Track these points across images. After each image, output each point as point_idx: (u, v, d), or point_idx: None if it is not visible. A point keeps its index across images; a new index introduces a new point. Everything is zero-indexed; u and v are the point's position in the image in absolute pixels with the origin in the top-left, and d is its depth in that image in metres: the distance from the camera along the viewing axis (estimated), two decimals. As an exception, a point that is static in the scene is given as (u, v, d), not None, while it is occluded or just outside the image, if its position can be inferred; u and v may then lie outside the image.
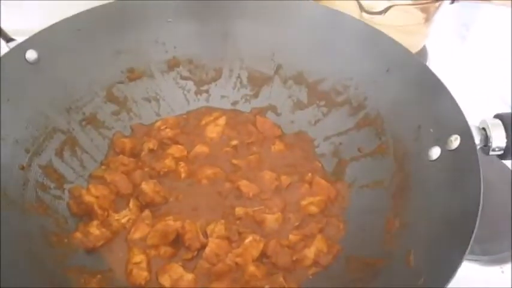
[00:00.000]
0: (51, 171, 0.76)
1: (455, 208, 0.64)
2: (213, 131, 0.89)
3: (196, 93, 0.95)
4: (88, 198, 0.75)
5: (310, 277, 0.72)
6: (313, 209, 0.79)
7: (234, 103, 0.96)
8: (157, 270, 0.70)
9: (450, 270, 0.55)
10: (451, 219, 0.63)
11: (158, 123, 0.90)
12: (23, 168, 0.73)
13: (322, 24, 0.89)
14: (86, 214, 0.75)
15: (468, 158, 0.66)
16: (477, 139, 0.68)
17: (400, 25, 1.04)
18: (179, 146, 0.86)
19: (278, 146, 0.89)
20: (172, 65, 0.93)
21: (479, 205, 0.60)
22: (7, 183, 0.69)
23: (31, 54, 0.76)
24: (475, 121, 0.71)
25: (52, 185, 0.76)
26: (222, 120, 0.91)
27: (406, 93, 0.80)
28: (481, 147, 0.69)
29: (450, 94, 0.74)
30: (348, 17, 0.88)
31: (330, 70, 0.90)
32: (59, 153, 0.79)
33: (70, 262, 0.68)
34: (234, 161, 0.85)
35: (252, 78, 0.95)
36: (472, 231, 0.58)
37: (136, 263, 0.70)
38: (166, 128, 0.89)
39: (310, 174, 0.84)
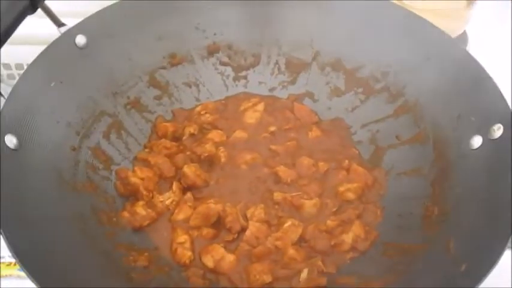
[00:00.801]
0: (99, 153, 0.80)
1: (497, 198, 0.64)
2: (251, 117, 0.91)
3: (234, 79, 0.97)
4: (134, 179, 0.78)
5: (348, 261, 0.73)
6: (350, 195, 0.80)
7: (272, 89, 0.97)
8: (200, 251, 0.73)
9: (492, 259, 0.55)
10: (492, 209, 0.64)
11: (198, 108, 0.92)
12: (74, 149, 0.76)
13: (361, 10, 0.89)
14: (132, 195, 0.78)
15: (511, 147, 0.66)
16: (521, 128, 0.67)
17: (441, 9, 1.03)
18: (219, 131, 0.88)
19: (315, 133, 0.90)
20: (212, 50, 0.95)
21: (521, 194, 0.60)
22: (61, 164, 0.73)
23: (80, 39, 0.79)
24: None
25: (100, 166, 0.79)
26: (260, 106, 0.92)
27: (446, 81, 0.80)
28: (525, 137, 0.68)
29: (493, 82, 0.73)
30: (388, 3, 0.88)
31: (368, 57, 0.90)
32: (106, 136, 0.82)
33: (119, 239, 0.72)
34: (272, 147, 0.86)
35: (289, 64, 0.96)
36: (513, 222, 0.58)
37: (180, 243, 0.73)
38: (206, 113, 0.91)
39: (347, 161, 0.85)
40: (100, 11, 0.82)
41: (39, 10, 0.74)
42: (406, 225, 0.74)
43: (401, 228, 0.75)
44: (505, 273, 0.73)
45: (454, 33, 1.12)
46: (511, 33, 1.21)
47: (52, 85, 0.76)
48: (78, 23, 0.80)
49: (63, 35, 0.78)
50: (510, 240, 0.57)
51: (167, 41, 0.91)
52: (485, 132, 0.71)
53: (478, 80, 0.75)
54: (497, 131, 0.69)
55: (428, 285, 0.61)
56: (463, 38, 1.18)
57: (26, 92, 0.71)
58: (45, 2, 0.76)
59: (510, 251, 0.74)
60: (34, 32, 0.89)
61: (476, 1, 1.08)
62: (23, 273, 0.71)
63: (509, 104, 0.71)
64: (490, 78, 0.74)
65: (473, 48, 1.15)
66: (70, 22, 0.79)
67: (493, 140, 0.69)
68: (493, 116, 0.70)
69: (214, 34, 0.94)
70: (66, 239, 0.66)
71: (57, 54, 0.77)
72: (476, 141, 0.72)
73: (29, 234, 0.61)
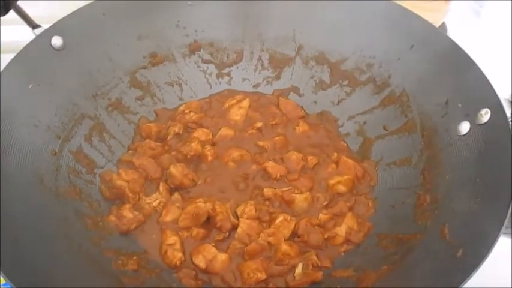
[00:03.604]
0: (81, 157, 0.77)
1: (489, 181, 0.64)
2: (237, 114, 0.89)
3: (217, 76, 0.95)
4: (119, 182, 0.76)
5: (343, 254, 0.72)
6: (341, 188, 0.79)
7: (256, 85, 0.96)
8: (191, 251, 0.71)
9: (488, 242, 0.55)
10: (485, 193, 0.63)
11: (182, 107, 0.90)
12: (55, 154, 0.74)
13: (343, 3, 0.88)
14: (117, 198, 0.76)
15: (499, 131, 0.66)
16: (508, 112, 0.67)
17: (420, 2, 1.03)
18: (204, 129, 0.86)
19: (302, 127, 0.89)
20: (193, 48, 0.93)
21: (512, 178, 0.60)
22: (42, 169, 0.70)
23: (56, 41, 0.77)
24: (504, 94, 0.70)
25: (83, 170, 0.77)
26: (245, 103, 0.91)
27: (431, 69, 0.80)
28: (511, 120, 0.68)
29: (478, 68, 0.73)
30: (369, -5, 0.87)
31: (352, 49, 0.90)
32: (88, 139, 0.80)
33: (106, 244, 0.70)
34: (260, 143, 0.85)
35: (273, 59, 0.95)
36: (508, 204, 0.58)
37: (170, 244, 0.71)
38: (190, 111, 0.89)
39: (336, 153, 0.84)
40: (76, 11, 0.80)
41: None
42: (399, 216, 0.74)
43: (394, 218, 0.74)
44: (505, 273, 0.73)
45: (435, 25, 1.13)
46: (483, 22, 1.23)
47: (29, 88, 0.73)
48: (54, 24, 0.77)
49: (38, 36, 0.76)
50: (505, 223, 0.57)
51: (147, 40, 0.89)
52: (472, 117, 0.71)
53: (463, 66, 0.75)
54: (485, 115, 0.69)
55: (426, 273, 0.60)
56: (442, 29, 1.19)
57: (2, 96, 0.68)
58: (18, 3, 0.74)
59: (510, 245, 0.75)
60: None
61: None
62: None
63: (495, 88, 0.71)
64: (474, 64, 0.74)
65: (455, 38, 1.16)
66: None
67: (480, 124, 0.69)
68: (479, 101, 0.70)
69: (195, 32, 0.92)
70: (52, 246, 0.64)
71: (33, 56, 0.74)
72: (464, 127, 0.72)
73: (12, 243, 0.58)
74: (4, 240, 0.57)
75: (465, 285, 0.53)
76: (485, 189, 0.63)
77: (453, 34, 1.19)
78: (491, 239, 0.55)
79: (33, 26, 0.76)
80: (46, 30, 0.76)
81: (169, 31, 0.90)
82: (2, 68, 0.70)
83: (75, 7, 0.80)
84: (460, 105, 0.74)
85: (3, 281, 0.73)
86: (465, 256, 0.57)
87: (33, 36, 0.75)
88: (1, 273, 0.53)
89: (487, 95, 0.70)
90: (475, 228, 0.60)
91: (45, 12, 0.83)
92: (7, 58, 0.72)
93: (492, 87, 0.70)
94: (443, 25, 1.20)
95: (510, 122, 0.67)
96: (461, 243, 0.59)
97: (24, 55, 0.73)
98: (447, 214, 0.66)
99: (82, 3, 0.80)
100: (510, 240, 0.80)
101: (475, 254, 0.55)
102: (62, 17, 0.78)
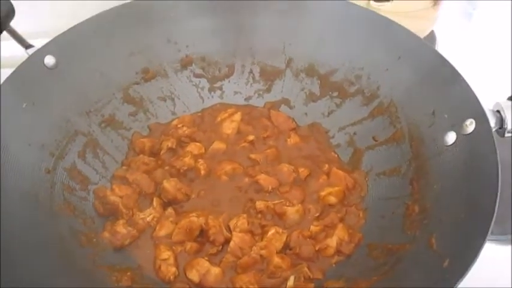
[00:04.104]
0: (75, 174, 0.79)
1: (474, 191, 0.65)
2: (229, 127, 0.91)
3: (210, 90, 0.97)
4: (113, 198, 0.77)
5: (334, 265, 0.73)
6: (332, 199, 0.80)
7: (248, 98, 0.97)
8: (185, 266, 0.72)
9: (474, 251, 0.56)
10: (471, 202, 0.64)
11: (175, 122, 0.91)
12: (49, 172, 0.75)
13: (331, 15, 0.90)
14: (111, 214, 0.77)
15: (484, 141, 0.67)
16: (492, 122, 0.69)
17: (408, 11, 1.05)
18: (197, 143, 0.87)
19: (293, 139, 0.90)
20: (185, 63, 0.94)
21: (497, 187, 0.61)
22: (36, 187, 0.71)
23: (49, 60, 0.78)
24: (489, 104, 0.72)
25: (77, 187, 0.78)
26: (237, 116, 0.92)
27: (418, 80, 0.81)
28: (496, 130, 0.69)
29: (463, 79, 0.74)
30: (356, 7, 0.89)
31: (341, 61, 0.91)
32: (82, 156, 0.81)
33: (100, 261, 0.70)
34: (252, 156, 0.86)
35: (264, 72, 0.96)
36: (493, 213, 0.59)
37: (163, 259, 0.72)
38: (183, 126, 0.90)
39: (327, 165, 0.85)
40: (68, 30, 0.81)
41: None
42: (389, 226, 0.75)
43: (384, 228, 0.75)
44: (505, 273, 0.74)
45: (423, 34, 1.15)
46: (475, 28, 1.25)
47: (23, 107, 0.74)
48: (46, 44, 0.79)
49: (31, 56, 0.77)
50: (490, 232, 0.58)
51: (139, 56, 0.90)
52: (458, 128, 0.72)
53: (448, 78, 0.76)
54: (470, 125, 0.70)
55: (415, 283, 0.61)
56: (431, 37, 1.21)
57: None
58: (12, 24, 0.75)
59: (510, 249, 0.76)
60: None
61: (442, 1, 1.11)
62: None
63: (480, 99, 0.72)
64: (459, 75, 0.75)
65: (441, 47, 1.18)
66: (39, 43, 0.78)
67: (466, 135, 0.70)
68: (465, 111, 0.71)
69: (187, 47, 0.94)
70: (46, 263, 0.65)
71: (26, 75, 0.76)
72: (451, 137, 0.73)
73: (7, 262, 0.59)
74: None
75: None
76: (470, 198, 0.65)
77: (442, 40, 1.21)
78: (476, 248, 0.56)
79: (26, 46, 0.78)
80: (39, 50, 0.78)
81: (161, 46, 0.92)
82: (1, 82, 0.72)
83: (67, 25, 0.81)
84: (446, 116, 0.75)
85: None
86: (451, 266, 0.58)
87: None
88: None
89: (472, 106, 0.71)
90: (461, 237, 0.61)
91: (40, 28, 0.83)
92: (7, 73, 0.74)
93: (477, 98, 0.71)
94: (432, 32, 1.22)
95: (494, 132, 0.68)
96: (447, 253, 0.60)
97: (18, 75, 0.75)
98: (435, 224, 0.67)
99: (73, 22, 0.81)
100: (510, 247, 0.81)
101: (461, 264, 0.56)
102: (54, 36, 0.80)
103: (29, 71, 0.76)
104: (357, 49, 0.89)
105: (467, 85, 0.73)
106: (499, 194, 0.61)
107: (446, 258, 0.59)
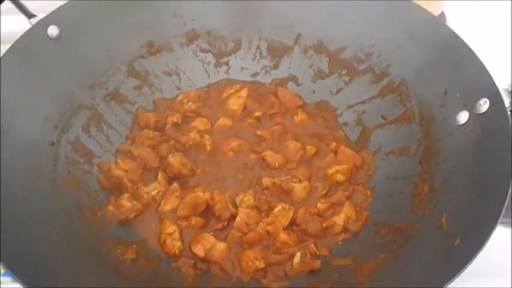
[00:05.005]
0: (79, 147, 0.77)
1: (486, 171, 0.64)
2: (235, 103, 0.89)
3: (216, 65, 0.95)
4: (117, 172, 0.76)
5: (341, 243, 0.73)
6: (340, 177, 0.79)
7: (254, 74, 0.95)
8: (190, 240, 0.72)
9: (486, 231, 0.55)
10: (482, 182, 0.63)
11: (180, 97, 0.90)
12: (52, 144, 0.74)
13: (341, -9, 0.87)
14: (116, 188, 0.76)
15: (498, 121, 0.66)
16: (507, 102, 0.67)
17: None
18: (203, 118, 0.86)
19: (300, 116, 0.89)
20: (191, 37, 0.92)
21: (511, 168, 0.60)
22: (40, 160, 0.70)
23: (53, 30, 0.76)
24: (503, 84, 0.70)
25: (81, 160, 0.77)
26: (243, 92, 0.90)
27: (430, 58, 0.79)
28: (510, 110, 0.68)
29: (477, 57, 0.73)
30: (368, -17, 0.86)
31: (351, 38, 0.89)
32: (86, 129, 0.80)
33: (105, 234, 0.70)
34: (258, 132, 0.85)
35: (271, 48, 0.94)
36: (506, 193, 0.58)
37: (169, 234, 0.71)
38: (188, 101, 0.89)
39: (334, 143, 0.84)
40: (72, 0, 0.79)
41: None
42: (397, 205, 0.74)
43: (392, 207, 0.75)
44: (505, 273, 0.74)
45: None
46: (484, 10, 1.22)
47: (25, 78, 0.72)
48: (50, 13, 0.76)
49: (34, 26, 0.75)
50: (503, 213, 0.57)
51: (144, 29, 0.88)
52: (471, 107, 0.70)
53: (462, 56, 0.74)
54: (483, 105, 0.69)
55: (423, 262, 0.60)
56: (441, 18, 1.18)
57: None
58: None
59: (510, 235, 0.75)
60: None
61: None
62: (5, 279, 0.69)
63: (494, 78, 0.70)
64: (474, 54, 0.73)
65: (453, 27, 1.15)
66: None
67: (479, 114, 0.69)
68: (478, 90, 0.70)
69: (193, 20, 0.91)
70: (51, 236, 0.64)
71: (28, 46, 0.74)
72: (463, 116, 0.72)
73: (12, 234, 0.59)
74: (3, 230, 0.57)
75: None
76: (482, 178, 0.64)
77: (452, 22, 1.18)
78: (489, 228, 0.55)
79: (29, 15, 0.76)
80: (42, 20, 0.75)
81: (166, 20, 0.89)
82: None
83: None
84: (458, 95, 0.74)
85: (2, 271, 0.74)
86: (462, 245, 0.57)
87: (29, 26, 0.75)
88: (0, 263, 0.53)
89: (486, 85, 0.69)
90: (472, 217, 0.60)
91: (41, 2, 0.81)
92: (6, 48, 0.71)
93: (491, 77, 0.70)
94: (442, 14, 1.20)
95: (509, 112, 0.67)
96: (458, 232, 0.59)
97: (20, 45, 0.73)
98: (444, 203, 0.66)
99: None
100: (510, 230, 0.80)
101: (472, 243, 0.55)
102: (58, 7, 0.78)
103: (31, 42, 0.74)
104: (367, 26, 0.87)
105: (482, 64, 0.71)
106: (512, 174, 0.60)
107: (457, 237, 0.58)
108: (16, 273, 0.52)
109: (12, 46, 0.72)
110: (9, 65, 0.70)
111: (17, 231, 0.60)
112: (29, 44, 0.74)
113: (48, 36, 0.76)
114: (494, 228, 0.55)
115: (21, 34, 0.73)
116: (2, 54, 0.71)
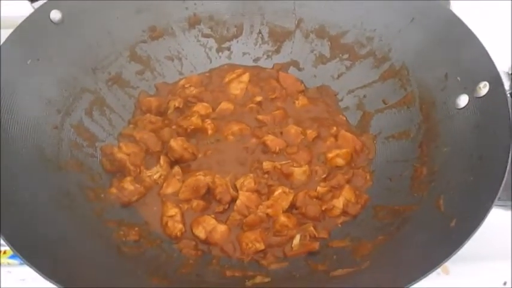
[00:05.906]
0: (82, 130, 0.78)
1: (485, 154, 0.64)
2: (236, 88, 0.90)
3: (217, 50, 0.95)
4: (120, 155, 0.77)
5: (340, 226, 0.74)
6: (340, 161, 0.80)
7: (256, 59, 0.95)
8: (191, 223, 0.73)
9: (481, 213, 0.56)
10: (480, 165, 0.64)
11: (182, 82, 0.90)
12: (56, 127, 0.75)
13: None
14: (119, 171, 0.77)
15: (497, 104, 0.66)
16: (506, 85, 0.67)
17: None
18: (204, 103, 0.86)
19: (302, 101, 0.89)
20: (193, 22, 0.92)
21: (509, 150, 0.60)
22: (43, 143, 0.71)
23: (55, 15, 0.77)
24: (503, 67, 0.70)
25: (85, 143, 0.78)
26: (245, 77, 0.91)
27: (432, 42, 0.79)
28: (510, 93, 0.68)
29: (478, 40, 0.72)
30: (369, -34, 0.86)
31: (352, 22, 0.89)
32: (89, 113, 0.81)
33: (108, 216, 0.71)
34: (259, 117, 0.85)
35: (273, 33, 0.94)
36: (503, 176, 0.59)
37: (170, 216, 0.72)
38: (190, 86, 0.89)
39: (335, 127, 0.84)
40: (75, -16, 0.79)
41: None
42: (396, 188, 0.75)
43: (391, 190, 0.75)
44: (506, 256, 0.74)
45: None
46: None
47: (28, 63, 0.73)
48: (53, -2, 0.77)
49: (37, 10, 0.76)
50: (499, 195, 0.57)
51: (146, 14, 0.88)
52: (471, 90, 0.70)
53: (463, 39, 0.74)
54: (483, 88, 0.69)
55: (420, 243, 0.61)
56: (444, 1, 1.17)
57: (1, 70, 0.69)
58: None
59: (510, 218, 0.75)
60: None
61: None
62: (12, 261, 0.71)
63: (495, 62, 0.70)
64: (474, 37, 0.73)
65: (455, 9, 1.13)
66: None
67: (479, 97, 0.69)
68: (479, 74, 0.70)
69: (195, 4, 0.92)
70: (54, 218, 0.65)
71: (31, 30, 0.75)
72: (463, 100, 0.72)
73: (16, 216, 0.60)
74: (7, 211, 0.58)
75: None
76: (480, 161, 0.64)
77: (455, 6, 1.17)
78: (484, 210, 0.56)
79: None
80: (45, 4, 0.76)
81: (168, 4, 0.90)
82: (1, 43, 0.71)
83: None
84: (459, 78, 0.74)
85: (9, 253, 0.75)
86: (458, 226, 0.58)
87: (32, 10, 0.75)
88: (7, 243, 0.55)
89: (486, 68, 0.69)
90: (469, 199, 0.61)
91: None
92: (7, 33, 0.72)
93: (491, 60, 0.70)
94: (446, -3, 1.18)
95: (508, 95, 0.67)
96: (455, 214, 0.60)
97: (23, 29, 0.74)
98: (443, 186, 0.67)
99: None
100: (510, 213, 0.80)
101: (468, 224, 0.56)
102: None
103: (34, 26, 0.75)
104: (369, 10, 0.87)
105: (482, 47, 0.71)
106: (510, 157, 0.60)
107: (454, 218, 0.59)
108: (20, 251, 0.54)
109: (15, 30, 0.72)
110: (12, 49, 0.71)
111: (19, 211, 0.61)
112: (31, 28, 0.74)
113: (51, 20, 0.77)
114: (489, 210, 0.55)
115: (23, 18, 0.74)
116: (4, 39, 0.71)
